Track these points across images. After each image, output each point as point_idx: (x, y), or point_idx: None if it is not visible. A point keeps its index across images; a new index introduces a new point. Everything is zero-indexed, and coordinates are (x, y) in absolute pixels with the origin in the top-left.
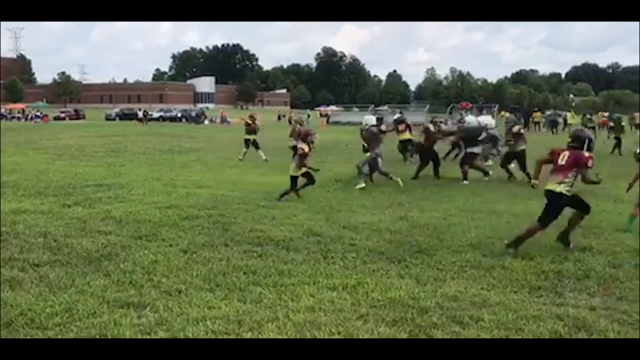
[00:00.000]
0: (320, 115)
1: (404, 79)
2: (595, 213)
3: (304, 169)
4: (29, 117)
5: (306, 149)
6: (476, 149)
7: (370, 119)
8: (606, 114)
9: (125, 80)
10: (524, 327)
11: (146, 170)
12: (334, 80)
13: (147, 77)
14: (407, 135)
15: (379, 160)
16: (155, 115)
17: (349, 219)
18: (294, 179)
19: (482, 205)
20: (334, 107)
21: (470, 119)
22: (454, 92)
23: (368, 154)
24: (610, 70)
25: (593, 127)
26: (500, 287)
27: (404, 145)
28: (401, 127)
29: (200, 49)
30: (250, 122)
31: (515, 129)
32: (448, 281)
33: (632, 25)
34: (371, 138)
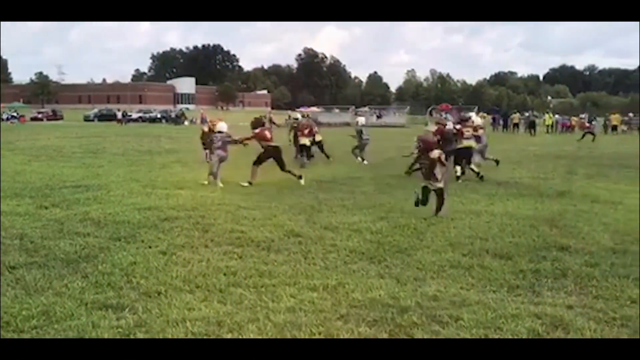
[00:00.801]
0: (302, 116)
1: (384, 80)
2: (572, 213)
3: (439, 184)
4: (6, 117)
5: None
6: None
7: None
8: (583, 116)
9: (104, 80)
10: (502, 326)
11: (125, 171)
12: (315, 81)
13: (127, 78)
14: (306, 140)
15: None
16: (135, 116)
17: (330, 220)
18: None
19: (461, 206)
20: (314, 108)
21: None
22: (434, 94)
23: None
24: (587, 73)
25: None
26: (479, 286)
27: (302, 148)
28: (306, 130)
29: (180, 50)
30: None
31: (457, 126)
32: (428, 281)
33: (607, 28)
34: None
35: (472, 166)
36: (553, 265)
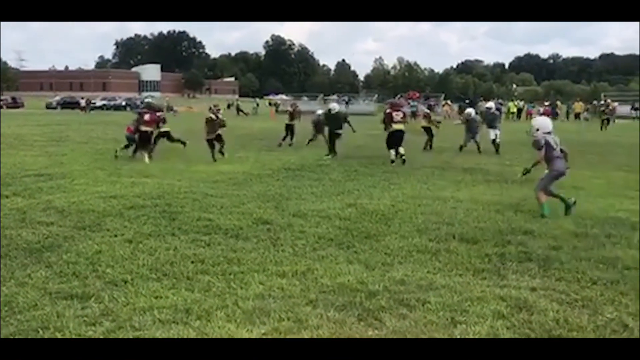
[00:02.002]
0: (270, 104)
1: (352, 68)
2: (535, 199)
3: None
4: None
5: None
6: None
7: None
8: (547, 103)
9: (66, 67)
10: (468, 309)
11: (89, 159)
12: (283, 68)
13: (90, 65)
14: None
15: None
16: (99, 103)
17: (299, 207)
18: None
19: (428, 192)
20: (283, 96)
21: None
22: (401, 82)
23: None
24: (551, 61)
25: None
26: (445, 270)
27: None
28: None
29: (145, 36)
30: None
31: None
32: (395, 265)
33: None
34: None
35: (401, 150)
36: (517, 249)
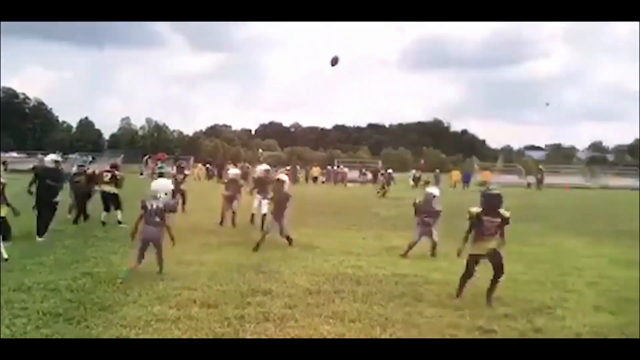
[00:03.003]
0: None
1: (97, 126)
2: (277, 258)
3: None
4: None
5: None
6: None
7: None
8: (288, 167)
9: None
10: None
11: None
12: (16, 123)
13: None
14: None
15: None
16: None
17: (22, 280)
18: None
19: (171, 256)
20: (14, 154)
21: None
22: (150, 142)
23: None
24: (293, 129)
25: None
26: (185, 337)
27: None
28: None
29: None
30: None
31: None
32: (131, 338)
33: (310, 90)
34: None
35: (117, 213)
36: (256, 310)
